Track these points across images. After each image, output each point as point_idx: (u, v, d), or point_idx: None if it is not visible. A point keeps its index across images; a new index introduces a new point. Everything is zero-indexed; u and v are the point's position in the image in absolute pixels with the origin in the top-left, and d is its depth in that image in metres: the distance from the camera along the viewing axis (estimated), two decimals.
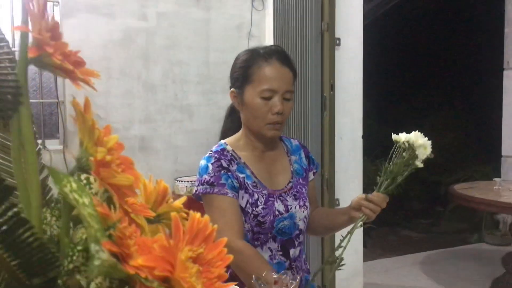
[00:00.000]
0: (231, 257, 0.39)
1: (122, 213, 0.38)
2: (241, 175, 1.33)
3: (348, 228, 1.27)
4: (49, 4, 2.75)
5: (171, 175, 3.00)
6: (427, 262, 4.18)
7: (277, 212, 1.34)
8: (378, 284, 3.66)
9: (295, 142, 1.53)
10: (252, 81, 1.32)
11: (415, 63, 7.23)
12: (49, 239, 0.39)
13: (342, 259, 1.18)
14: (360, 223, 1.26)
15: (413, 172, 1.22)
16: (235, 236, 1.25)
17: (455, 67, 7.11)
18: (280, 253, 1.36)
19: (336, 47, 2.72)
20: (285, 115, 1.33)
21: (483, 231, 4.77)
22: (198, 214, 0.38)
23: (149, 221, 0.43)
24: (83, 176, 0.41)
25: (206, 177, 1.31)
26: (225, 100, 1.55)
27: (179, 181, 2.89)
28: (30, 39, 0.37)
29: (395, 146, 1.22)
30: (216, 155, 1.34)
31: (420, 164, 1.20)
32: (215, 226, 0.39)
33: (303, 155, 1.51)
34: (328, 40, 2.64)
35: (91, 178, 0.42)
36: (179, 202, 0.47)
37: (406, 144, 1.19)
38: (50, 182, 0.43)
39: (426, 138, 1.19)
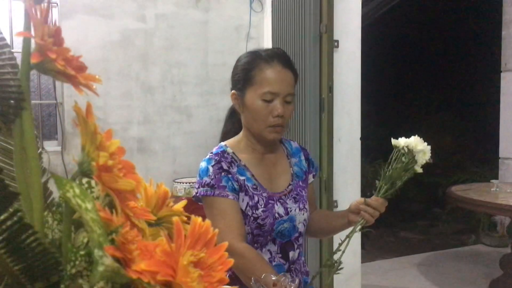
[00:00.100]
0: (232, 261, 0.39)
1: (124, 217, 0.39)
2: (241, 178, 1.33)
3: (347, 231, 1.27)
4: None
5: (169, 177, 3.00)
6: (425, 263, 4.18)
7: (277, 215, 1.33)
8: (376, 286, 3.67)
9: (295, 145, 1.53)
10: (253, 83, 1.32)
11: (413, 65, 7.25)
12: (51, 243, 0.40)
13: (340, 262, 1.18)
14: (359, 227, 1.26)
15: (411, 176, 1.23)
16: (237, 239, 1.25)
17: (453, 69, 7.13)
18: (280, 255, 1.35)
19: (335, 49, 2.72)
20: (286, 118, 1.33)
21: (480, 233, 4.79)
22: (199, 219, 0.39)
23: (150, 224, 0.43)
24: (84, 180, 0.42)
25: (206, 179, 1.30)
26: (224, 101, 1.55)
27: (178, 182, 2.88)
28: (33, 45, 0.37)
29: (394, 151, 1.21)
30: (216, 157, 1.33)
31: (419, 169, 1.20)
32: (216, 230, 0.40)
33: (303, 157, 1.50)
34: (326, 42, 2.64)
35: (92, 182, 0.42)
36: (179, 206, 0.47)
37: (406, 149, 1.19)
38: (51, 185, 0.43)
39: (426, 143, 1.19)
